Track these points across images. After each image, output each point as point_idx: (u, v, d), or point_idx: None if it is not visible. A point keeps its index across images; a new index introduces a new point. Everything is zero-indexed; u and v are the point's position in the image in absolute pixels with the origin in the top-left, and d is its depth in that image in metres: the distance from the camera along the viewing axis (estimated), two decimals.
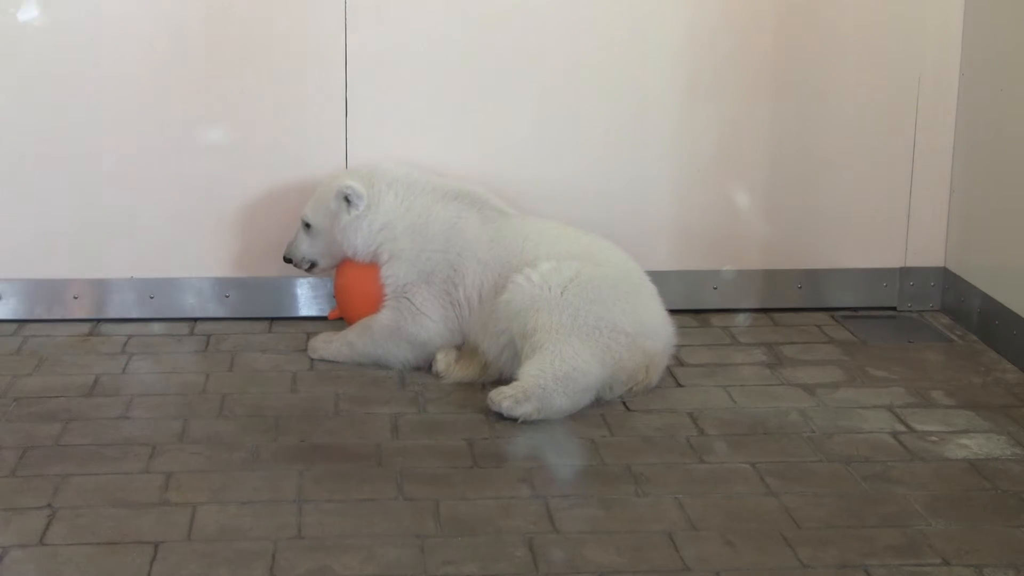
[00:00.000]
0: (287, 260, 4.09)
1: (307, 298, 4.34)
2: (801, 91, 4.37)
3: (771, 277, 4.47)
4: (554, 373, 3.52)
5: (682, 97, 4.34)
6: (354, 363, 3.93)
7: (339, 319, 4.14)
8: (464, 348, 3.86)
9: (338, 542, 2.89)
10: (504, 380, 3.67)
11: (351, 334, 3.95)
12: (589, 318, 3.62)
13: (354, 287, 4.01)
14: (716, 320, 4.38)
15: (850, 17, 4.34)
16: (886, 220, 4.47)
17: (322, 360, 3.95)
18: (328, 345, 3.97)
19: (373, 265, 3.95)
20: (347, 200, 3.92)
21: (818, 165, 4.42)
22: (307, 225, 4.02)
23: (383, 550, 2.86)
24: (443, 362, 3.83)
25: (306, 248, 4.04)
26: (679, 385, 3.83)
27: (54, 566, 2.80)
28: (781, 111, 4.37)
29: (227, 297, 4.32)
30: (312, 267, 4.08)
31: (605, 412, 3.60)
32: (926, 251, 4.49)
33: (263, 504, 3.07)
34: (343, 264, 4.04)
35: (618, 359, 3.62)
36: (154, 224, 4.26)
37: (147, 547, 2.86)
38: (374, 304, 3.94)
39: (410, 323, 3.88)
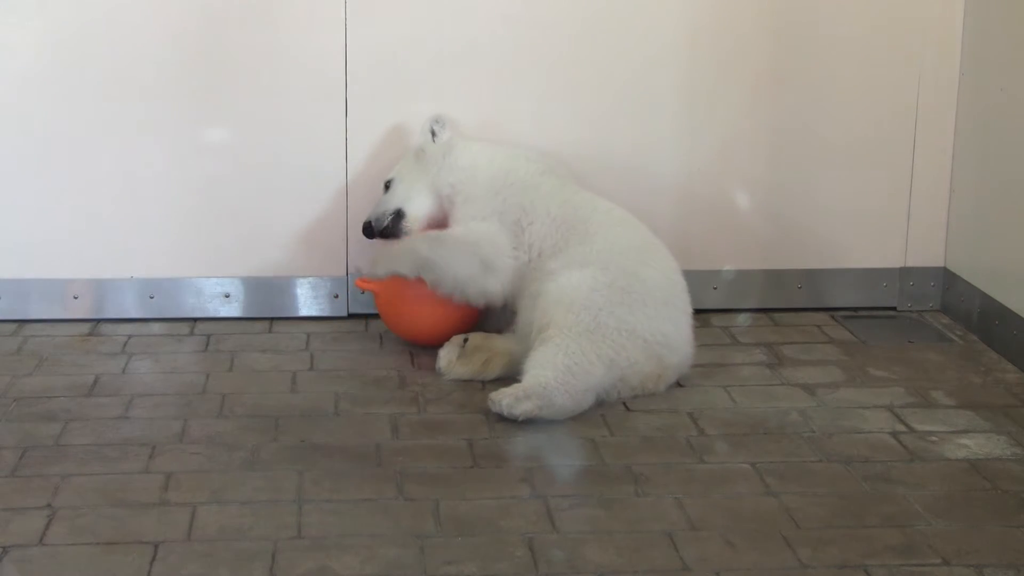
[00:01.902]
0: (366, 229, 4.06)
1: (307, 298, 4.34)
2: (801, 91, 4.37)
3: (771, 277, 4.48)
4: (555, 369, 3.51)
5: (682, 97, 4.34)
6: (395, 267, 3.89)
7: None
8: (467, 346, 3.85)
9: (338, 542, 2.89)
10: (504, 381, 3.67)
11: (417, 241, 3.91)
12: (610, 320, 3.61)
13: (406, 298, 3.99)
14: (716, 320, 4.38)
15: (850, 17, 4.34)
16: (886, 220, 4.47)
17: (382, 273, 3.92)
18: (389, 254, 3.93)
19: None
20: (432, 133, 4.03)
21: (818, 165, 4.42)
22: (387, 185, 4.06)
23: (383, 550, 2.86)
24: (445, 359, 3.83)
25: (386, 202, 4.05)
26: (679, 385, 3.83)
27: (54, 566, 2.80)
28: (781, 111, 4.37)
29: (227, 297, 4.32)
30: (397, 220, 4.02)
31: (605, 412, 3.60)
32: (926, 251, 4.49)
33: (263, 504, 3.07)
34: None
35: (632, 362, 3.62)
36: (154, 224, 4.26)
37: (147, 547, 2.86)
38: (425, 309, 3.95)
39: (484, 242, 3.87)
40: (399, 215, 4.05)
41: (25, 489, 3.12)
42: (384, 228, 4.06)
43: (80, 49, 4.13)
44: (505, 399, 3.50)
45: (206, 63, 4.18)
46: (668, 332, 3.72)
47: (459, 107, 4.27)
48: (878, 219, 4.47)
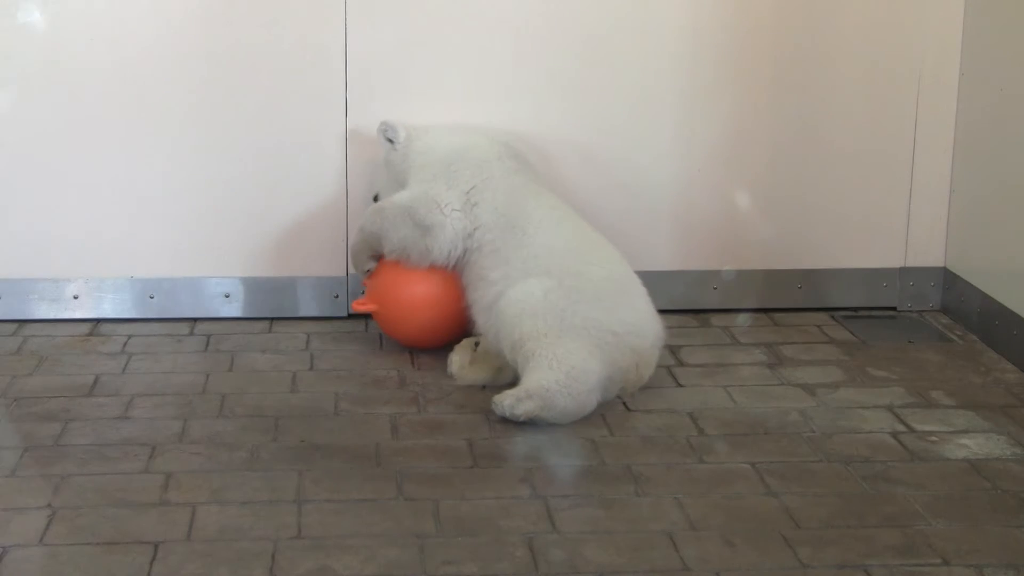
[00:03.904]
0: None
1: (307, 298, 4.34)
2: (801, 91, 4.37)
3: (771, 277, 4.47)
4: (555, 376, 3.49)
5: (682, 96, 4.34)
6: (358, 252, 3.98)
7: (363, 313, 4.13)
8: (478, 350, 3.84)
9: (338, 542, 2.89)
10: (514, 385, 3.65)
11: (362, 219, 3.99)
12: (575, 319, 3.59)
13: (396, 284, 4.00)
14: (716, 320, 4.38)
15: (850, 17, 4.34)
16: (886, 220, 4.47)
17: (359, 270, 4.04)
18: (351, 250, 4.05)
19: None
20: (389, 140, 4.07)
21: (818, 165, 4.42)
22: (376, 200, 4.15)
23: (383, 550, 2.86)
24: (457, 363, 3.81)
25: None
26: (679, 385, 3.83)
27: (54, 566, 2.80)
28: (781, 111, 4.37)
29: (227, 297, 4.32)
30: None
31: (605, 412, 3.60)
32: (926, 251, 4.49)
33: (263, 504, 3.07)
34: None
35: (611, 358, 3.60)
36: (154, 224, 4.26)
37: (147, 547, 2.86)
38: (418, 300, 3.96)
39: (418, 203, 3.89)
40: None
41: (25, 489, 3.12)
42: None
43: (80, 49, 4.13)
44: (507, 400, 3.49)
45: (206, 63, 4.18)
46: (630, 319, 3.68)
47: (458, 107, 4.27)
48: (878, 219, 4.47)
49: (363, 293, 4.19)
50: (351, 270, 4.25)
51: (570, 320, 3.59)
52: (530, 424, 3.48)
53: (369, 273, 4.02)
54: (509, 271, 3.75)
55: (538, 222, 3.83)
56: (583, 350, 3.54)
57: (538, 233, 3.80)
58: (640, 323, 3.72)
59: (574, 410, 3.51)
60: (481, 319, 3.81)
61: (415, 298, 3.95)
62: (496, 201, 3.88)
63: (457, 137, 4.07)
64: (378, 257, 3.98)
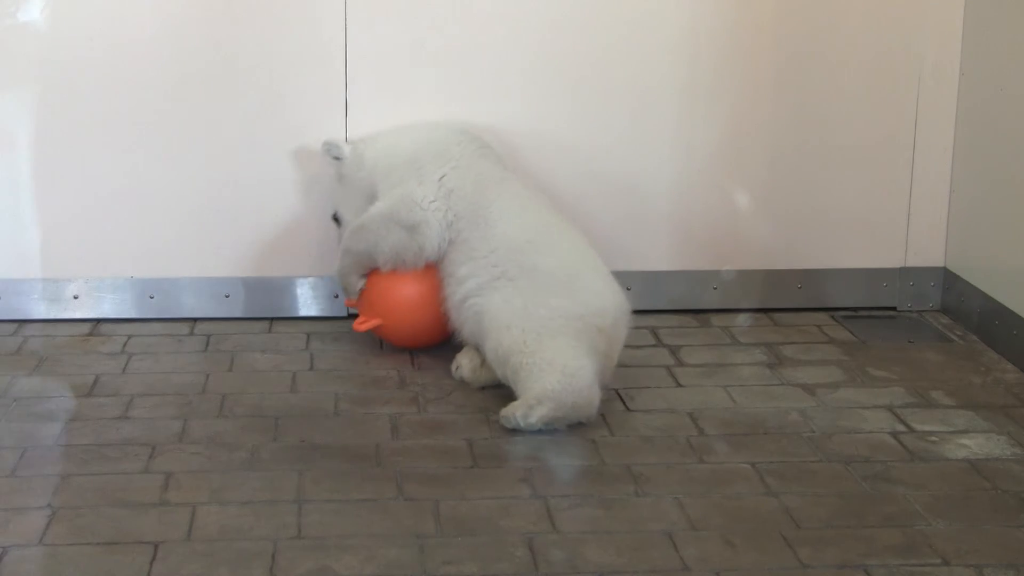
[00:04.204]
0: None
1: (307, 298, 4.34)
2: (801, 91, 4.37)
3: (771, 277, 4.47)
4: (553, 377, 3.47)
5: (682, 97, 4.34)
6: (348, 273, 3.97)
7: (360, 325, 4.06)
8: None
9: (338, 542, 2.89)
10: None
11: (344, 241, 3.99)
12: (544, 315, 3.58)
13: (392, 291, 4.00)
14: (716, 320, 4.38)
15: (850, 17, 4.34)
16: (886, 220, 4.47)
17: (351, 292, 4.01)
18: (337, 273, 4.04)
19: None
20: (336, 157, 4.07)
21: (818, 165, 4.42)
22: (335, 219, 4.14)
23: (383, 550, 2.86)
24: (468, 368, 3.78)
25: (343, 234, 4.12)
26: (679, 385, 3.83)
27: (54, 566, 2.80)
28: (781, 111, 4.37)
29: (227, 297, 4.32)
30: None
31: (605, 412, 3.60)
32: (926, 251, 4.49)
33: (263, 504, 3.07)
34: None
35: (589, 344, 3.58)
36: (154, 224, 4.26)
37: (147, 547, 2.86)
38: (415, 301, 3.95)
39: (398, 206, 3.90)
40: None
41: (25, 489, 3.12)
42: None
43: (80, 49, 4.13)
44: (518, 411, 3.45)
45: (206, 63, 4.18)
46: (591, 301, 3.66)
47: (458, 107, 4.27)
48: (878, 219, 4.47)
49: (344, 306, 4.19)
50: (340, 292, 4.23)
51: (540, 319, 3.58)
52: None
53: (359, 292, 4.01)
54: (474, 268, 3.77)
55: (500, 211, 3.84)
56: (566, 345, 3.53)
57: (499, 223, 3.81)
58: (599, 303, 3.69)
59: (584, 405, 3.48)
60: (453, 315, 3.84)
61: (413, 299, 3.95)
62: (465, 189, 3.89)
63: (413, 133, 4.07)
64: (366, 275, 3.99)
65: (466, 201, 3.88)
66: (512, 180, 3.98)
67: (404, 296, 3.96)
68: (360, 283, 4.00)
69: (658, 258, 4.37)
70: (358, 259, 3.96)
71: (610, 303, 3.71)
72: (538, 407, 3.44)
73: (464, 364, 3.79)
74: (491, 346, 3.63)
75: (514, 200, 3.89)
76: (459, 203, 3.88)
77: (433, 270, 3.92)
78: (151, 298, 4.30)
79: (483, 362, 3.75)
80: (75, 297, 4.28)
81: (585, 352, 3.54)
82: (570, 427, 3.50)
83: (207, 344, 4.12)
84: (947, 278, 4.47)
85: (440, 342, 3.97)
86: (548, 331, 3.55)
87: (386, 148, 4.06)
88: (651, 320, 4.32)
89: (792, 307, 4.47)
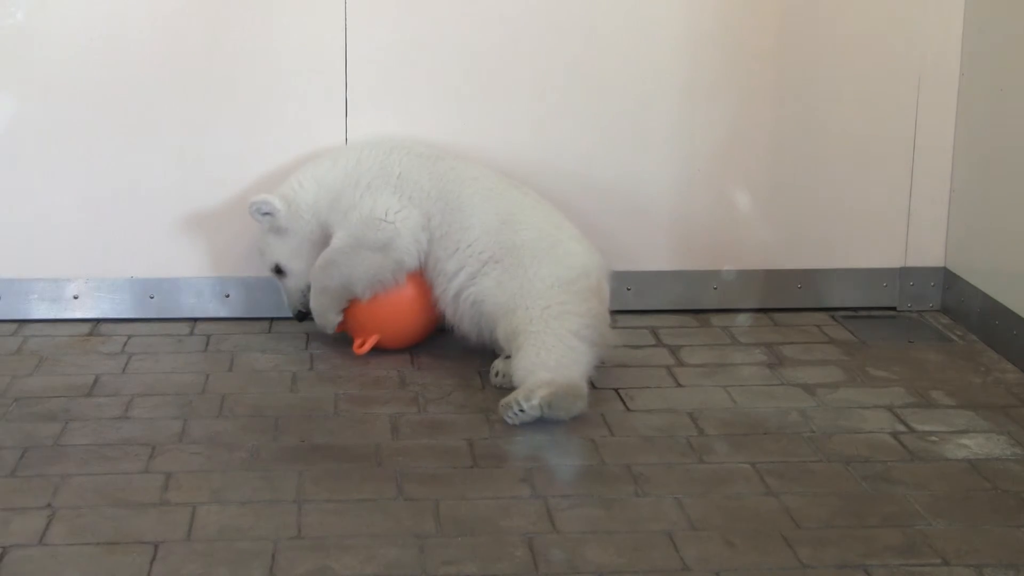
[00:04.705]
0: (300, 317, 4.08)
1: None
2: (801, 91, 4.37)
3: (771, 277, 4.47)
4: (546, 367, 3.51)
5: (682, 97, 4.34)
6: (326, 311, 3.93)
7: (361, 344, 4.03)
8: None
9: (338, 542, 2.89)
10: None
11: (314, 281, 3.93)
12: (535, 284, 3.68)
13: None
14: (716, 320, 4.38)
15: (850, 17, 4.34)
16: (886, 220, 4.47)
17: (328, 327, 3.97)
18: (315, 311, 3.97)
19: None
20: (267, 214, 3.97)
21: (818, 165, 4.42)
22: (277, 270, 4.05)
23: (383, 550, 2.86)
24: (503, 372, 3.73)
25: (295, 283, 4.04)
26: (679, 385, 3.83)
27: (54, 566, 2.80)
28: (781, 111, 4.37)
29: (227, 297, 4.33)
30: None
31: (605, 412, 3.60)
32: (926, 251, 4.49)
33: (263, 504, 3.07)
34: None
35: (584, 306, 3.66)
36: (154, 224, 4.26)
37: (147, 547, 2.86)
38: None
39: (371, 230, 3.87)
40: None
41: (25, 489, 3.12)
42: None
43: (79, 49, 4.13)
44: (520, 395, 3.46)
45: (206, 63, 4.18)
46: (575, 264, 3.76)
47: (457, 108, 4.27)
48: (878, 219, 4.47)
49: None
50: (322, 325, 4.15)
51: (539, 292, 3.66)
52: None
53: (338, 323, 4.00)
54: (461, 259, 3.82)
55: (468, 198, 3.88)
56: (561, 320, 3.60)
57: (472, 209, 3.86)
58: (582, 264, 3.78)
59: (583, 371, 3.56)
60: (448, 311, 3.88)
61: (403, 301, 3.94)
62: (424, 187, 3.91)
63: (339, 160, 4.01)
64: (344, 308, 3.96)
65: (432, 198, 3.89)
66: (463, 166, 4.00)
67: (393, 302, 3.95)
68: (339, 317, 3.98)
69: (658, 258, 4.37)
70: (335, 295, 3.93)
71: (591, 262, 3.81)
72: (537, 391, 3.44)
73: (503, 369, 3.75)
74: (501, 335, 3.70)
75: (477, 184, 3.93)
76: (426, 202, 3.89)
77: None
78: (151, 298, 4.30)
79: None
80: (75, 297, 4.28)
81: (578, 320, 3.62)
82: (570, 427, 3.50)
83: (207, 344, 4.12)
84: (947, 278, 4.47)
85: (437, 331, 4.00)
86: (552, 310, 3.63)
87: (318, 184, 3.99)
88: (651, 320, 4.32)
89: (792, 307, 4.47)
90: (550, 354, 3.55)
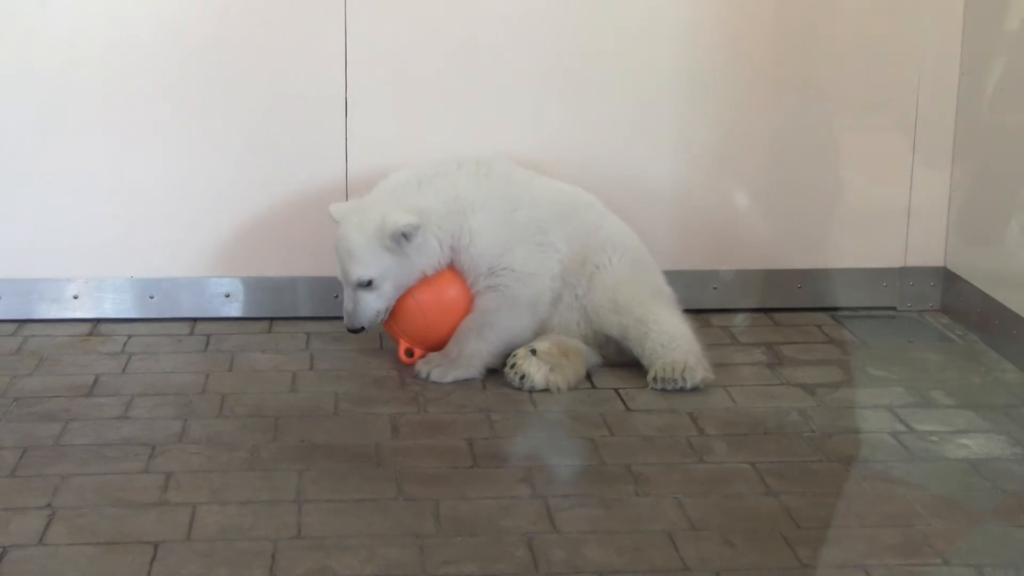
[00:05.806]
0: (356, 331, 3.84)
1: (307, 298, 4.34)
2: (801, 91, 4.37)
3: (771, 277, 4.47)
4: (677, 331, 3.86)
5: (682, 97, 4.34)
6: (486, 368, 3.81)
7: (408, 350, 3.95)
8: (540, 353, 3.74)
9: (338, 542, 2.89)
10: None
11: (468, 342, 3.79)
12: (624, 269, 3.93)
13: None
14: (716, 320, 4.38)
15: (850, 17, 4.34)
16: (886, 220, 4.47)
17: (456, 381, 3.79)
18: (451, 366, 3.79)
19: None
20: (405, 236, 3.74)
21: (818, 165, 4.42)
22: (367, 283, 3.77)
23: (383, 550, 2.86)
24: (539, 376, 3.70)
25: (375, 303, 3.80)
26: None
27: (54, 566, 2.80)
28: (781, 111, 4.37)
29: (227, 297, 4.33)
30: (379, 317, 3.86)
31: (605, 412, 3.60)
32: (926, 251, 4.49)
33: (263, 504, 3.07)
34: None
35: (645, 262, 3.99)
36: (154, 224, 4.26)
37: (147, 547, 2.86)
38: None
39: (521, 288, 3.87)
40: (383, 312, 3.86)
41: (25, 489, 3.12)
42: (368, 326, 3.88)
43: (79, 49, 4.13)
44: (676, 371, 3.72)
45: (206, 63, 4.18)
46: (602, 225, 3.99)
47: (457, 108, 4.27)
48: (878, 219, 4.47)
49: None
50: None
51: (639, 281, 3.92)
52: (528, 423, 3.46)
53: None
54: (561, 270, 3.92)
55: (541, 191, 3.99)
56: (658, 297, 3.93)
57: (544, 194, 3.99)
58: (620, 227, 4.04)
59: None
60: (557, 321, 3.92)
61: (460, 299, 3.89)
62: (561, 238, 3.96)
63: (491, 205, 3.90)
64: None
65: (572, 247, 3.95)
66: (532, 176, 4.06)
67: (447, 300, 3.90)
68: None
69: (658, 258, 4.35)
70: (487, 363, 3.80)
71: (625, 228, 4.07)
72: (698, 367, 3.74)
73: (533, 374, 3.72)
74: (618, 332, 3.86)
75: (544, 190, 4.01)
76: (562, 250, 3.97)
77: (446, 272, 3.87)
78: (151, 298, 4.30)
79: (552, 366, 3.72)
80: (75, 297, 4.28)
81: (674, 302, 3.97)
82: (570, 427, 3.51)
83: (207, 344, 4.12)
84: (947, 278, 4.47)
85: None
86: (651, 294, 3.90)
87: (471, 234, 3.84)
88: None
89: (792, 307, 4.47)
90: (676, 329, 3.81)
